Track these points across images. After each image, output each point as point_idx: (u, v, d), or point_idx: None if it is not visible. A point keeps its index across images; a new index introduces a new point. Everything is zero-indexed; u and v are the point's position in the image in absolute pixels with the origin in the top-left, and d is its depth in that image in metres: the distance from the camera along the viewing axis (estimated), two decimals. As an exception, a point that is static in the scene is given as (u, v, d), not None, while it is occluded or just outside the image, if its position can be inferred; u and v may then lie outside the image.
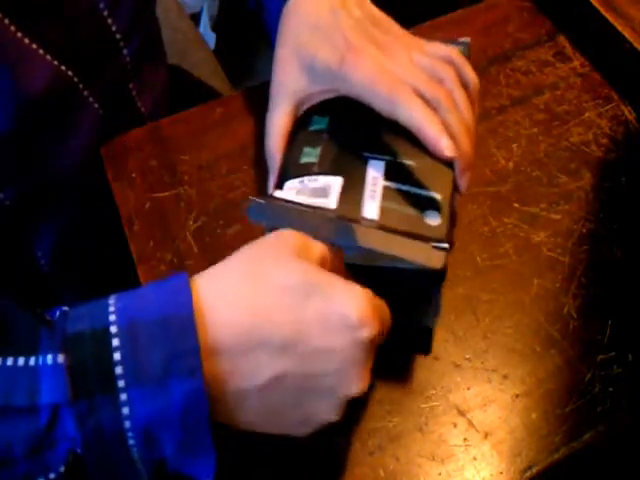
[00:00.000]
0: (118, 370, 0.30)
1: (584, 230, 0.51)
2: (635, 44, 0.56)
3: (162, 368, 0.30)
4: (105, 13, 0.50)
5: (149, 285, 0.34)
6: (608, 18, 0.58)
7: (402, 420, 0.43)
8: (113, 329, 0.31)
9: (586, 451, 0.42)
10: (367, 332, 0.33)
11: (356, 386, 0.34)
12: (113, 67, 0.54)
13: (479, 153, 0.55)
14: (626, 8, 0.58)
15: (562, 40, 0.62)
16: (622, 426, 0.43)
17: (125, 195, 0.53)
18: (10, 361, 0.30)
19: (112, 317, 0.31)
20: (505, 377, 0.45)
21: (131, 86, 0.58)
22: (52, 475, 0.31)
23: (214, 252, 0.51)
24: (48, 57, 0.46)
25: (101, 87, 0.53)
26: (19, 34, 0.44)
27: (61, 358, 0.30)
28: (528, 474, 0.42)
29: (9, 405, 0.30)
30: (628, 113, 0.57)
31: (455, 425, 0.43)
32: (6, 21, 0.43)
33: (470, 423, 0.43)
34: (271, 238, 0.36)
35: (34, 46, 0.45)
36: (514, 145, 0.55)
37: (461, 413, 0.43)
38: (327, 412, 0.35)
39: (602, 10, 0.58)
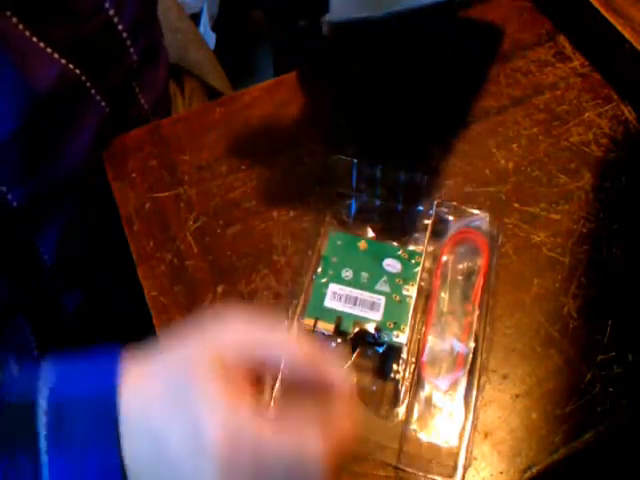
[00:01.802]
0: (42, 431, 0.31)
1: (584, 230, 0.51)
2: (635, 44, 0.56)
3: (82, 438, 0.31)
4: (111, 12, 0.50)
5: (82, 363, 0.34)
6: (608, 18, 0.58)
7: (398, 435, 0.42)
8: (42, 399, 0.32)
9: (586, 451, 0.42)
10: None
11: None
12: (120, 66, 0.54)
13: (479, 153, 0.55)
14: (626, 8, 0.58)
15: (562, 40, 0.62)
16: (622, 426, 0.43)
17: (125, 195, 0.53)
18: None
19: (41, 392, 0.32)
20: (505, 377, 0.45)
21: (134, 84, 0.58)
22: None
23: (214, 252, 0.51)
24: (56, 55, 0.47)
25: (108, 85, 0.53)
26: (27, 33, 0.44)
27: None
28: (528, 474, 0.42)
29: None
30: (628, 113, 0.57)
31: (456, 430, 0.43)
32: (14, 20, 0.43)
33: (470, 423, 0.43)
34: (205, 350, 0.33)
35: (42, 45, 0.45)
36: (514, 145, 0.55)
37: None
38: None
39: (602, 10, 0.58)
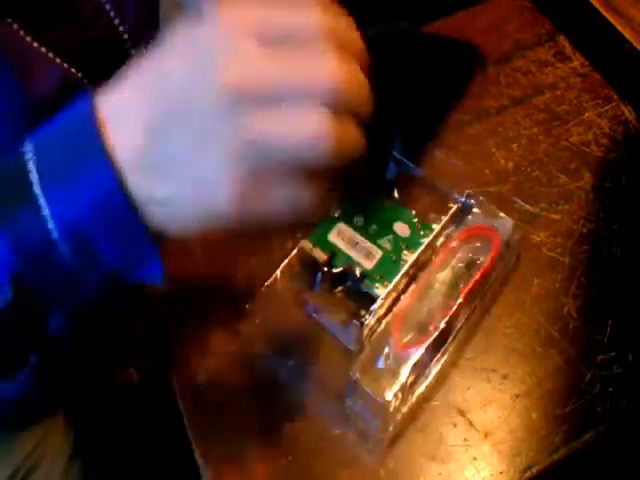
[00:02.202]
0: (34, 178, 0.31)
1: (584, 230, 0.51)
2: (635, 44, 0.56)
3: (70, 165, 0.31)
4: (112, 14, 0.50)
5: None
6: (608, 18, 0.58)
7: (402, 420, 0.43)
8: (28, 148, 0.32)
9: (586, 451, 0.42)
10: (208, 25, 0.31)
11: (218, 88, 0.30)
12: (121, 68, 0.54)
13: (479, 153, 0.55)
14: (626, 8, 0.58)
15: (562, 40, 0.62)
16: (622, 426, 0.43)
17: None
18: None
19: (29, 140, 0.32)
20: (505, 377, 0.45)
21: None
22: (1, 303, 0.31)
23: (214, 252, 0.51)
24: (57, 60, 0.46)
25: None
26: (28, 38, 0.44)
27: None
28: (528, 474, 0.42)
29: None
30: (628, 113, 0.57)
31: (455, 425, 0.43)
32: (15, 26, 0.43)
33: (470, 423, 0.43)
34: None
35: (43, 49, 0.45)
36: (514, 145, 0.55)
37: (461, 413, 0.43)
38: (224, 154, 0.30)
39: (602, 10, 0.58)
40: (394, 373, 0.43)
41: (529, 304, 0.48)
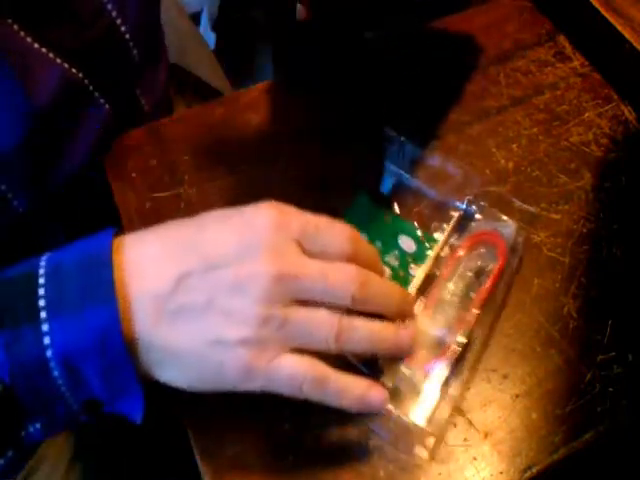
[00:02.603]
0: (41, 303, 0.33)
1: (584, 230, 0.51)
2: (635, 44, 0.56)
3: (79, 298, 0.33)
4: (114, 14, 0.50)
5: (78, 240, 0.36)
6: (608, 18, 0.58)
7: (402, 419, 0.43)
8: (40, 271, 0.34)
9: (586, 451, 0.42)
10: (263, 218, 0.35)
11: (264, 269, 0.34)
12: (123, 67, 0.54)
13: (479, 153, 0.55)
14: (626, 8, 0.58)
15: (562, 40, 0.62)
16: (622, 426, 0.43)
17: (125, 195, 0.53)
18: None
19: (41, 263, 0.35)
20: (505, 377, 0.45)
21: (136, 85, 0.58)
22: None
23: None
24: (58, 60, 0.46)
25: (111, 88, 0.53)
26: (28, 39, 0.44)
27: None
28: (528, 474, 0.42)
29: None
30: (628, 113, 0.57)
31: (455, 425, 0.43)
32: (15, 27, 0.43)
33: (470, 423, 0.43)
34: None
35: (43, 50, 0.45)
36: (514, 145, 0.55)
37: (461, 413, 0.43)
38: (244, 318, 0.35)
39: (602, 10, 0.58)
40: (420, 394, 0.42)
41: (529, 304, 0.48)
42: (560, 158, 0.55)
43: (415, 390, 0.42)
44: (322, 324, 0.36)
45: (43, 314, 0.33)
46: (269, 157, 0.55)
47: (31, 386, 0.34)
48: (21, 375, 0.33)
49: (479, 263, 0.47)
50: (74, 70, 0.48)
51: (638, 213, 0.52)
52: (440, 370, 0.43)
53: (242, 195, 0.53)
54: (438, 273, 0.47)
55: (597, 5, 0.59)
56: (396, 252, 0.47)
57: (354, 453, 0.42)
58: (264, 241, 0.35)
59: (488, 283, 0.46)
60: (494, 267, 0.47)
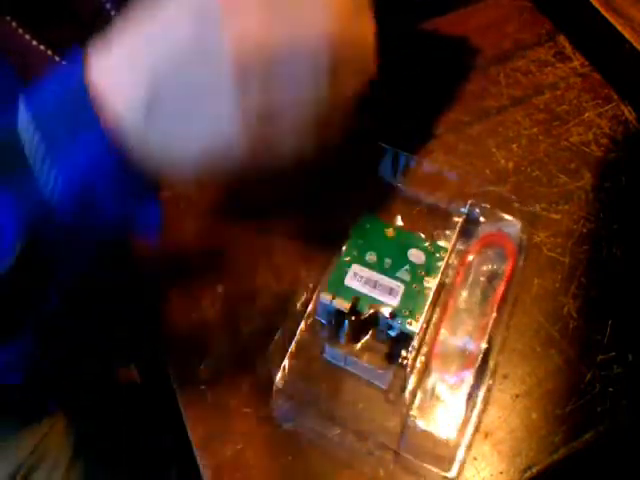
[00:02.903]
0: (34, 145, 0.32)
1: (584, 230, 0.51)
2: (635, 44, 0.56)
3: (69, 129, 0.33)
4: (113, 13, 0.50)
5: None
6: (608, 18, 0.58)
7: (402, 420, 0.43)
8: (26, 122, 0.33)
9: (586, 451, 0.42)
10: None
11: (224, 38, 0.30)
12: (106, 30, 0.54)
13: (479, 153, 0.55)
14: (626, 8, 0.58)
15: (562, 40, 0.62)
16: (622, 426, 0.43)
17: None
18: None
19: (25, 106, 0.33)
20: (505, 377, 0.45)
21: None
22: (9, 261, 0.32)
23: (214, 252, 0.51)
24: (57, 59, 0.46)
25: None
26: (27, 36, 0.44)
27: None
28: (528, 474, 0.42)
29: None
30: (628, 113, 0.57)
31: (455, 425, 0.43)
32: (14, 24, 0.43)
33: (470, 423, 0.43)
34: None
35: (42, 48, 0.45)
36: (514, 145, 0.55)
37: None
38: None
39: (602, 10, 0.58)
40: (448, 407, 0.42)
41: (529, 304, 0.48)
42: (560, 158, 0.55)
43: (444, 405, 0.42)
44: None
45: (38, 155, 0.33)
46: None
47: (46, 232, 0.33)
48: (33, 223, 0.33)
49: (490, 267, 0.47)
50: None
51: (638, 213, 0.52)
52: (466, 380, 0.43)
53: (243, 194, 0.53)
54: (449, 281, 0.47)
55: (597, 5, 0.59)
56: (407, 267, 0.46)
57: (354, 453, 0.42)
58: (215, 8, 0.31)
59: (502, 285, 0.46)
60: (505, 268, 0.47)
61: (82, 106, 0.32)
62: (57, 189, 0.33)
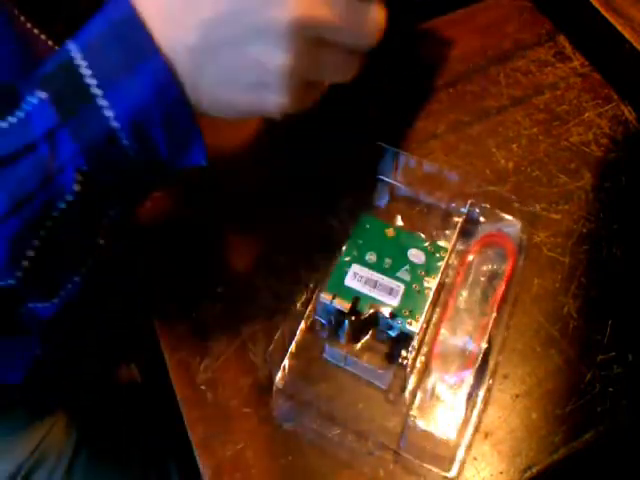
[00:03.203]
0: (91, 81, 0.33)
1: (584, 230, 0.51)
2: (635, 44, 0.56)
3: (125, 63, 0.33)
4: None
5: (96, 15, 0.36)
6: (608, 18, 0.58)
7: (401, 420, 0.43)
8: (74, 55, 0.34)
9: (586, 451, 0.42)
10: None
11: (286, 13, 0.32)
12: None
13: (479, 153, 0.55)
14: (626, 8, 0.58)
15: (562, 40, 0.62)
16: (622, 426, 0.43)
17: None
18: (4, 124, 0.33)
19: (70, 48, 0.34)
20: (505, 377, 0.45)
21: None
22: (69, 197, 0.34)
23: (214, 251, 0.51)
24: (56, 48, 0.47)
25: None
26: (29, 25, 0.44)
27: (42, 94, 0.33)
28: (528, 474, 0.42)
29: (12, 151, 0.33)
30: (628, 113, 0.57)
31: (455, 425, 0.43)
32: (16, 12, 0.43)
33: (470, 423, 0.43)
34: None
35: (43, 37, 0.45)
36: (514, 145, 0.55)
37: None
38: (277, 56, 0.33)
39: (602, 10, 0.58)
40: (448, 407, 0.42)
41: (529, 304, 0.48)
42: (560, 158, 0.55)
43: (444, 405, 0.42)
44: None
45: (97, 91, 0.33)
46: (269, 156, 0.55)
47: (106, 164, 0.34)
48: (96, 158, 0.34)
49: (490, 267, 0.47)
50: None
51: (638, 213, 0.52)
52: (467, 380, 0.43)
53: (243, 194, 0.53)
54: (449, 281, 0.47)
55: (597, 5, 0.59)
56: (407, 267, 0.46)
57: (354, 453, 0.42)
58: None
59: (502, 285, 0.46)
60: (505, 268, 0.47)
61: (137, 40, 0.33)
62: (117, 123, 0.33)
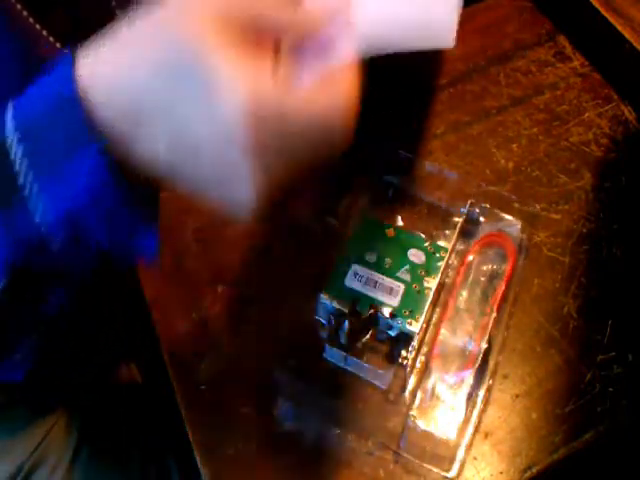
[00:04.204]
0: (21, 167, 0.30)
1: (584, 230, 0.51)
2: (635, 44, 0.56)
3: (63, 152, 0.30)
4: (113, 3, 0.50)
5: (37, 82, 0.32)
6: (608, 18, 0.58)
7: (401, 420, 0.43)
8: (9, 139, 0.30)
9: (586, 451, 0.42)
10: None
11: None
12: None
13: (479, 153, 0.55)
14: (626, 8, 0.58)
15: (562, 40, 0.62)
16: (622, 426, 0.43)
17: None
18: None
19: (10, 124, 0.31)
20: (505, 377, 0.45)
21: None
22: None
23: (214, 252, 0.51)
24: (58, 45, 0.47)
25: None
26: (31, 19, 0.44)
27: None
28: (528, 474, 0.42)
29: None
30: (628, 113, 0.57)
31: (455, 425, 0.43)
32: (18, 6, 0.43)
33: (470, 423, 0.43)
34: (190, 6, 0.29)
35: (44, 32, 0.45)
36: (514, 145, 0.55)
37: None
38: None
39: (602, 10, 0.58)
40: (448, 407, 0.42)
41: (529, 304, 0.48)
42: (560, 158, 0.55)
43: (444, 405, 0.43)
44: None
45: (26, 180, 0.30)
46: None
47: (37, 256, 0.32)
48: (24, 248, 0.31)
49: (490, 267, 0.47)
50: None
51: (638, 213, 0.52)
52: (467, 380, 0.43)
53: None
54: (449, 281, 0.47)
55: (597, 5, 0.59)
56: (407, 267, 0.46)
57: (354, 453, 0.42)
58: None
59: (502, 285, 0.46)
60: (505, 268, 0.47)
61: (72, 115, 0.30)
62: (46, 216, 0.31)
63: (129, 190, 0.31)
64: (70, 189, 0.30)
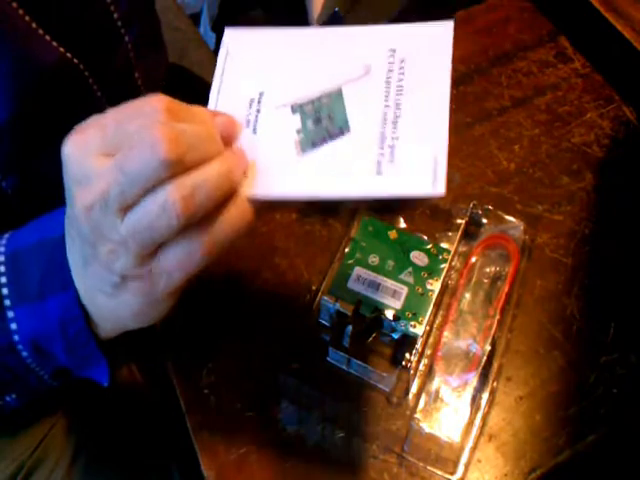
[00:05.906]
0: (4, 291, 0.35)
1: (586, 231, 0.51)
2: (635, 44, 0.56)
3: (39, 285, 0.35)
4: (108, 0, 0.50)
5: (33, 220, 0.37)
6: (608, 18, 0.58)
7: (405, 423, 0.43)
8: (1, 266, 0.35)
9: (590, 453, 0.42)
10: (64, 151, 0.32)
11: (77, 209, 0.31)
12: (117, 55, 0.54)
13: (481, 154, 0.55)
14: (626, 8, 0.58)
15: (563, 41, 0.62)
16: (626, 428, 0.43)
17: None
18: None
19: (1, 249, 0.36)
20: (509, 379, 0.45)
21: (137, 75, 0.57)
22: None
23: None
24: (54, 44, 0.46)
25: (107, 76, 0.52)
26: (27, 18, 0.44)
27: None
28: (532, 476, 0.42)
29: None
30: (629, 113, 0.57)
31: (460, 427, 0.43)
32: (14, 5, 0.43)
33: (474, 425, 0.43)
34: None
35: (41, 32, 0.45)
36: (516, 146, 0.55)
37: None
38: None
39: (602, 10, 0.58)
40: (452, 410, 0.42)
41: (532, 305, 0.48)
42: (562, 159, 0.55)
43: (448, 408, 0.42)
44: (158, 215, 0.29)
45: (7, 302, 0.35)
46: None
47: (3, 364, 0.36)
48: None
49: (493, 268, 0.47)
50: (69, 55, 0.48)
51: (640, 214, 0.52)
52: (470, 383, 0.43)
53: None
54: (452, 283, 0.47)
55: (597, 5, 0.59)
56: (410, 269, 0.46)
57: (358, 456, 0.42)
58: (68, 175, 0.32)
59: (506, 287, 0.46)
60: (508, 270, 0.47)
61: (56, 263, 0.34)
62: (18, 337, 0.35)
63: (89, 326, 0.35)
64: (42, 321, 0.35)
